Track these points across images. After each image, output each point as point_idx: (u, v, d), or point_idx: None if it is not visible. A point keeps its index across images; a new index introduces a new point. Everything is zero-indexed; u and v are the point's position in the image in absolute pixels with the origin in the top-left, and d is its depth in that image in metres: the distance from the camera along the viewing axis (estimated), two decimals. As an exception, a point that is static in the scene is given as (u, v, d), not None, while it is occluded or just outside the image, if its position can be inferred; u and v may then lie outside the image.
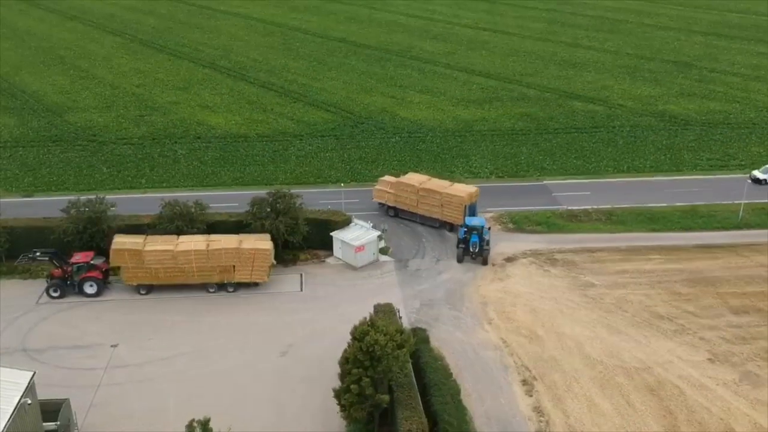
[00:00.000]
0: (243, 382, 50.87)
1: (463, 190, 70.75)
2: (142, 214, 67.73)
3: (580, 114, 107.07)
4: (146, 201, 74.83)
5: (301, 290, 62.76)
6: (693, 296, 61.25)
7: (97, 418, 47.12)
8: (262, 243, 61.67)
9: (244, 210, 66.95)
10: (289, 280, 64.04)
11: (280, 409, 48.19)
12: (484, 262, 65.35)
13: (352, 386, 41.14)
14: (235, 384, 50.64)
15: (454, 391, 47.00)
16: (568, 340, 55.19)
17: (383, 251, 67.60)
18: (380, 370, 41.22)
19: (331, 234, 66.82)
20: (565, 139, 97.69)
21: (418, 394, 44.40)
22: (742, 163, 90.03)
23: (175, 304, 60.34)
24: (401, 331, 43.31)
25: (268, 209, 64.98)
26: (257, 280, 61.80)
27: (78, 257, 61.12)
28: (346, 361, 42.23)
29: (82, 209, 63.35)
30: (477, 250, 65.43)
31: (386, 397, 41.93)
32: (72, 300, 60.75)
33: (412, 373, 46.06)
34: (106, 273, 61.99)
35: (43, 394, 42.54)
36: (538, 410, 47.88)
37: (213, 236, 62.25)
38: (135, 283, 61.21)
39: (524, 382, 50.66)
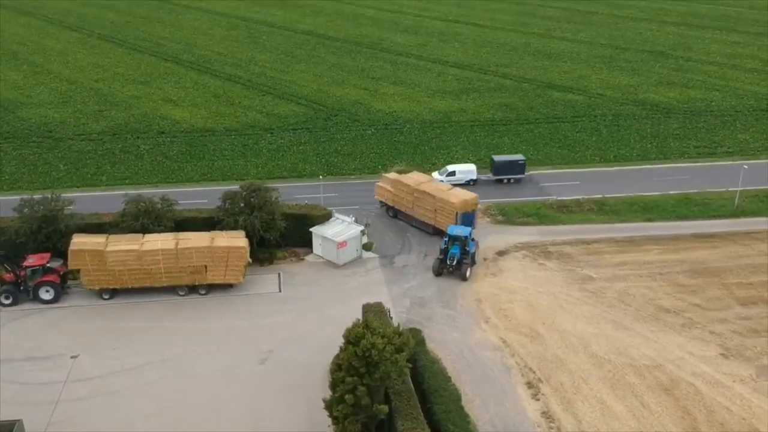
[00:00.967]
0: (219, 393, 46.01)
1: (458, 196, 63.33)
2: (103, 212, 62.10)
3: (560, 103, 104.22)
4: (107, 199, 69.33)
5: (280, 291, 57.96)
6: (697, 288, 57.78)
7: (56, 439, 41.89)
8: (236, 240, 56.73)
9: (215, 206, 61.92)
10: (266, 280, 59.16)
11: (260, 422, 43.49)
12: (463, 278, 57.90)
13: (346, 396, 36.53)
14: (210, 395, 45.79)
15: (455, 397, 42.52)
16: (571, 338, 51.21)
17: (367, 247, 63.02)
18: (378, 377, 36.62)
19: (310, 230, 62.08)
20: (546, 128, 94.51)
21: (418, 402, 39.84)
22: (730, 150, 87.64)
23: (141, 310, 55.14)
24: (399, 333, 38.72)
25: (242, 204, 60.04)
26: (231, 281, 56.87)
27: (32, 260, 55.56)
28: (338, 368, 37.54)
29: (36, 207, 57.66)
30: (454, 263, 58.01)
31: (385, 408, 37.41)
32: (26, 307, 55.26)
33: (409, 379, 41.50)
34: (64, 277, 56.46)
35: (-8, 414, 37.24)
36: (548, 415, 43.76)
37: (182, 234, 57.10)
38: (97, 288, 55.82)
39: (529, 384, 46.51)
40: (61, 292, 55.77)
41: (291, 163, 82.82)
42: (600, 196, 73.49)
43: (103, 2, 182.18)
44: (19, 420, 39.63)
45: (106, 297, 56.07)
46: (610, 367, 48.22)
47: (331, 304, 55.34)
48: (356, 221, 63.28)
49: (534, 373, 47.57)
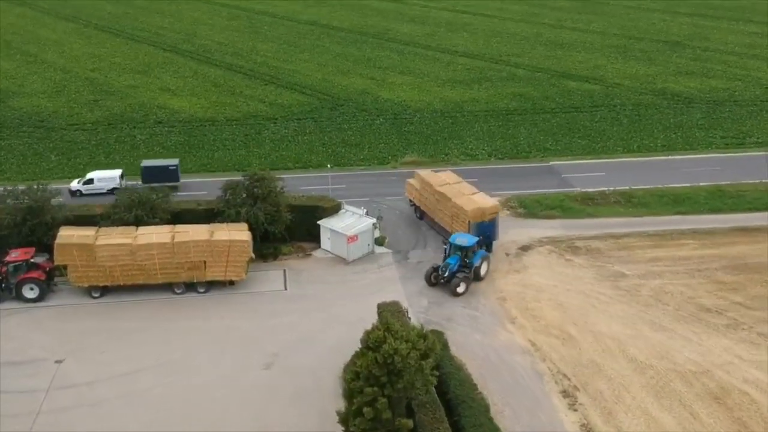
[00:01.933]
0: (219, 402, 41.37)
1: (475, 202, 55.82)
2: (94, 203, 57.46)
3: (577, 93, 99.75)
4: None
5: (285, 289, 53.35)
6: (739, 285, 53.11)
7: (36, 454, 37.30)
8: (239, 234, 52.06)
9: (215, 197, 57.23)
10: (271, 277, 54.56)
11: (267, 435, 38.76)
12: (453, 293, 50.79)
13: (365, 409, 31.83)
14: (209, 405, 41.15)
15: (484, 408, 37.81)
16: (607, 340, 46.51)
17: (379, 242, 58.35)
18: (401, 387, 31.92)
19: (318, 223, 57.33)
20: (564, 118, 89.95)
21: (445, 415, 35.15)
22: (759, 140, 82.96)
23: (134, 309, 50.51)
24: (424, 337, 33.96)
25: (244, 195, 55.40)
26: (233, 278, 52.23)
27: (15, 255, 50.96)
28: (356, 377, 32.81)
29: (21, 198, 53.00)
30: (445, 275, 51.34)
31: (408, 422, 32.71)
32: (8, 306, 50.61)
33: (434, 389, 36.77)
34: (50, 273, 51.81)
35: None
36: (587, 428, 39.13)
37: (179, 227, 52.44)
38: (85, 285, 51.21)
39: (564, 393, 41.80)
40: (46, 289, 51.17)
41: (296, 154, 78.32)
42: (627, 187, 68.83)
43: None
44: (-8, 434, 35.09)
45: (96, 295, 51.45)
46: (653, 373, 43.52)
47: (341, 304, 50.79)
48: (367, 214, 58.43)
49: (569, 380, 42.87)
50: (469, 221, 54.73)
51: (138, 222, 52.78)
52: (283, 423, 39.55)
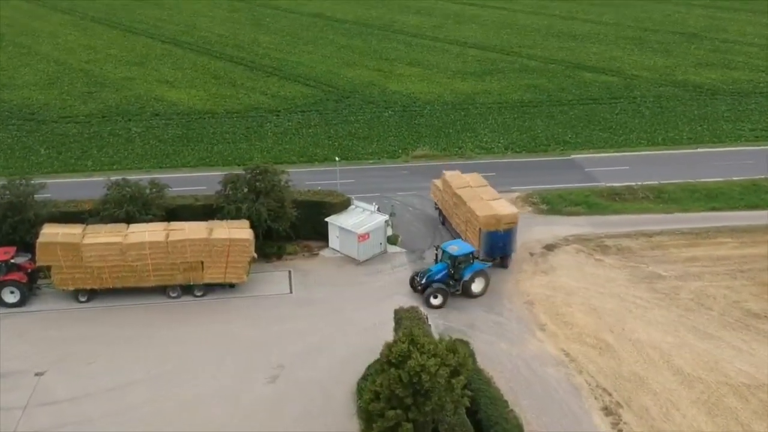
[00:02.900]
0: (218, 420, 36.92)
1: (491, 209, 49.64)
2: (82, 199, 52.91)
3: (594, 85, 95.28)
4: (91, 185, 59.64)
5: (291, 292, 48.81)
6: (787, 288, 48.45)
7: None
8: (240, 232, 47.51)
9: (213, 192, 52.69)
10: (275, 279, 50.08)
11: (272, 459, 34.25)
12: (426, 304, 45.03)
13: (387, 436, 27.21)
14: (206, 423, 36.69)
15: (518, 430, 33.20)
16: (648, 350, 41.95)
17: (392, 240, 53.78)
18: (428, 410, 27.31)
19: (326, 220, 52.76)
20: (582, 110, 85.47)
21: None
22: (790, 133, 78.23)
23: (124, 315, 46.00)
24: (454, 350, 29.34)
25: (246, 189, 50.80)
26: (233, 281, 47.73)
27: (-6, 255, 46.32)
28: (375, 398, 28.26)
29: (1, 193, 48.44)
30: (422, 282, 46.24)
31: (437, 451, 28.12)
32: (-14, 312, 46.00)
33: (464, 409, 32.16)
34: (33, 275, 47.25)
35: None
36: (635, 452, 34.43)
37: (174, 224, 47.86)
38: (71, 288, 46.66)
39: (606, 410, 37.26)
40: (28, 293, 46.57)
41: (300, 147, 73.78)
42: (655, 182, 64.25)
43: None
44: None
45: (83, 299, 46.93)
46: (703, 387, 38.96)
47: (353, 308, 46.32)
48: (379, 210, 53.85)
49: (610, 395, 38.29)
50: (479, 229, 49.07)
51: (130, 219, 48.23)
52: (290, 445, 35.07)
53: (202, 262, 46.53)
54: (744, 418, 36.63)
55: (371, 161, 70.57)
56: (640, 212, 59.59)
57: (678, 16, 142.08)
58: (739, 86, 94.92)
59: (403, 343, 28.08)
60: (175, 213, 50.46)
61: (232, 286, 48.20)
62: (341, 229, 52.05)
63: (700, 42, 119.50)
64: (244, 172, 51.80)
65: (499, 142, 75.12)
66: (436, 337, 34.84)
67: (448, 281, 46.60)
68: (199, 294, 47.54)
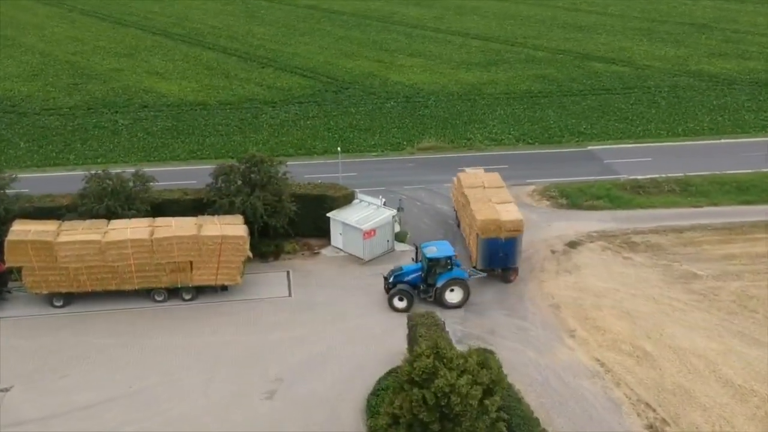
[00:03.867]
0: (209, 442, 32.16)
1: (492, 213, 43.99)
2: (60, 193, 48.19)
3: (605, 75, 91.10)
4: (73, 180, 54.43)
5: (290, 295, 44.18)
6: (835, 287, 43.97)
7: None
8: (233, 228, 42.82)
9: (205, 185, 48.03)
10: (272, 281, 45.46)
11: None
12: (390, 304, 41.30)
13: (409, 469, 22.55)
14: (196, 447, 31.91)
15: (555, 454, 28.67)
16: (692, 358, 37.42)
17: (400, 237, 49.21)
18: (459, 437, 22.67)
19: (328, 215, 48.10)
20: (595, 100, 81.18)
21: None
22: (816, 123, 74.00)
23: (104, 322, 41.26)
24: (486, 365, 24.69)
25: (240, 182, 46.11)
26: (226, 283, 43.09)
27: (-41, 255, 41.55)
28: (393, 422, 23.64)
29: (-32, 186, 43.79)
30: (389, 281, 41.80)
31: (470, 486, 23.47)
32: (-50, 319, 41.24)
33: None
34: (2, 277, 42.49)
35: None
36: (689, 478, 29.88)
37: (160, 220, 43.17)
38: (45, 292, 41.94)
39: (651, 428, 32.78)
40: (-4, 298, 41.82)
41: (298, 139, 69.24)
42: (681, 174, 59.76)
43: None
44: None
45: (58, 304, 42.21)
46: (757, 400, 34.46)
47: (360, 314, 41.77)
48: (385, 204, 49.18)
49: (654, 411, 33.75)
50: (477, 234, 43.79)
51: (111, 214, 43.52)
52: (291, 473, 30.44)
53: (191, 262, 41.83)
54: (809, 438, 32.12)
55: (374, 154, 66.04)
56: (666, 206, 55.18)
57: (685, 7, 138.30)
58: (757, 76, 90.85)
59: (428, 357, 23.45)
60: (161, 208, 45.81)
61: (224, 288, 43.53)
62: (345, 225, 47.40)
63: (710, 32, 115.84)
64: (237, 163, 47.04)
65: (509, 134, 70.79)
66: (457, 346, 30.27)
67: (419, 285, 41.76)
68: (187, 298, 42.82)
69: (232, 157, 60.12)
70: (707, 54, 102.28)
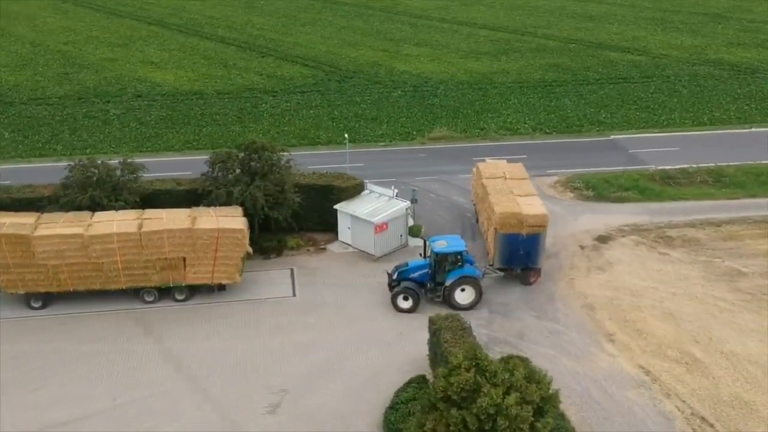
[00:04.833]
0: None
1: (513, 206, 39.72)
2: (42, 184, 44.04)
3: (620, 64, 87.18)
4: (59, 171, 50.39)
5: (294, 295, 39.98)
6: None
7: None
8: (231, 221, 38.61)
9: (200, 174, 43.80)
10: (274, 279, 41.28)
11: None
12: (393, 304, 37.46)
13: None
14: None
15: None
16: (747, 365, 33.30)
17: (414, 232, 44.94)
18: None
19: (335, 207, 43.90)
20: (613, 89, 77.25)
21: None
22: None
23: (87, 326, 37.04)
24: (532, 378, 20.50)
25: (238, 170, 41.88)
26: (223, 281, 38.91)
27: (-74, 252, 37.26)
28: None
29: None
30: (393, 278, 37.94)
31: None
32: None
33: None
34: (-25, 276, 38.24)
35: None
36: (761, 507, 25.70)
37: (149, 212, 38.95)
38: (21, 292, 37.75)
39: (711, 447, 28.47)
40: (-33, 299, 37.62)
41: (300, 129, 65.17)
42: (713, 164, 55.67)
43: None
44: None
45: (36, 305, 38.05)
46: (828, 414, 30.21)
47: (371, 316, 37.62)
48: (398, 196, 44.96)
49: (712, 426, 29.63)
50: (495, 229, 39.59)
51: (95, 206, 39.29)
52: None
53: (185, 259, 37.64)
54: None
55: (382, 143, 61.93)
56: (699, 198, 51.08)
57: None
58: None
59: (467, 370, 19.24)
60: (152, 200, 41.65)
61: (221, 288, 39.32)
62: (353, 218, 43.22)
63: (726, 22, 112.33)
64: (236, 150, 42.83)
65: (525, 123, 66.81)
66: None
67: (426, 283, 37.66)
68: (180, 298, 38.62)
69: (230, 147, 56.03)
70: (725, 43, 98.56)
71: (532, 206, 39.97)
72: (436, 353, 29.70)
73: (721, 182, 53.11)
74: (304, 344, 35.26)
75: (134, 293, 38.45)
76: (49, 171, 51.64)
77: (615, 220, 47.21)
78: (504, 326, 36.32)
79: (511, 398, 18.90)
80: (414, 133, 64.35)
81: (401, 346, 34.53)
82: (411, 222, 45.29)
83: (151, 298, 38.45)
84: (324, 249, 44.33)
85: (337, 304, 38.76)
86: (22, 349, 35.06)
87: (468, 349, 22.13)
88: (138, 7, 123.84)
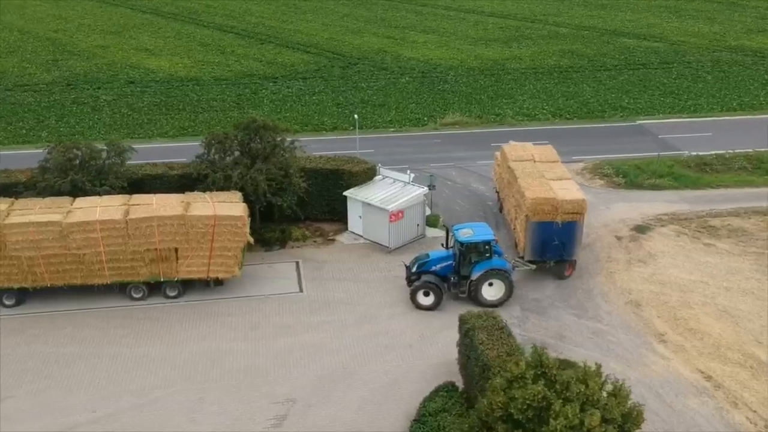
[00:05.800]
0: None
1: (547, 190, 35.67)
2: (18, 169, 39.83)
3: (638, 50, 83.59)
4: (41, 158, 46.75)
5: (301, 291, 35.80)
6: None
7: None
8: (229, 207, 34.37)
9: (195, 157, 39.55)
10: (278, 273, 37.15)
11: None
12: (412, 300, 33.45)
13: None
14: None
15: None
16: (819, 369, 28.98)
17: (431, 222, 40.75)
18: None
19: (345, 194, 39.66)
20: (633, 75, 73.55)
21: None
22: None
23: (65, 326, 32.84)
24: (614, 393, 16.26)
25: (237, 152, 37.64)
26: (221, 276, 34.68)
27: None
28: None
29: None
30: (411, 271, 33.86)
31: None
32: None
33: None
34: (-60, 270, 33.98)
35: None
36: None
37: (138, 197, 34.71)
38: (-7, 288, 33.45)
39: (793, 466, 24.28)
40: (-69, 295, 33.37)
41: (303, 115, 61.30)
42: (750, 150, 51.61)
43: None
44: None
45: (9, 303, 33.87)
46: None
47: (388, 314, 33.52)
48: (414, 182, 40.73)
49: (790, 441, 25.34)
50: (526, 217, 35.44)
51: (77, 191, 35.04)
52: None
53: (177, 250, 33.42)
54: None
55: (392, 129, 57.93)
56: (740, 185, 47.14)
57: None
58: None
59: (534, 382, 15.02)
60: (141, 185, 37.50)
61: (219, 283, 35.10)
62: (365, 205, 39.00)
63: (743, 10, 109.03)
64: (235, 130, 38.58)
65: (543, 108, 63.07)
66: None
67: (450, 276, 33.55)
68: (172, 294, 34.42)
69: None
70: (744, 30, 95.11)
71: (567, 191, 35.74)
72: (469, 357, 25.53)
73: (761, 168, 49.17)
74: (312, 347, 31.03)
75: (120, 289, 34.23)
76: (32, 158, 47.31)
77: (651, 208, 43.13)
78: (540, 326, 32.15)
79: (595, 417, 14.70)
80: (425, 118, 60.56)
81: (423, 348, 30.40)
82: (428, 212, 41.04)
83: (139, 295, 34.20)
84: (333, 240, 40.15)
85: (349, 302, 34.57)
86: (-9, 352, 30.82)
87: (532, 354, 17.87)
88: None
